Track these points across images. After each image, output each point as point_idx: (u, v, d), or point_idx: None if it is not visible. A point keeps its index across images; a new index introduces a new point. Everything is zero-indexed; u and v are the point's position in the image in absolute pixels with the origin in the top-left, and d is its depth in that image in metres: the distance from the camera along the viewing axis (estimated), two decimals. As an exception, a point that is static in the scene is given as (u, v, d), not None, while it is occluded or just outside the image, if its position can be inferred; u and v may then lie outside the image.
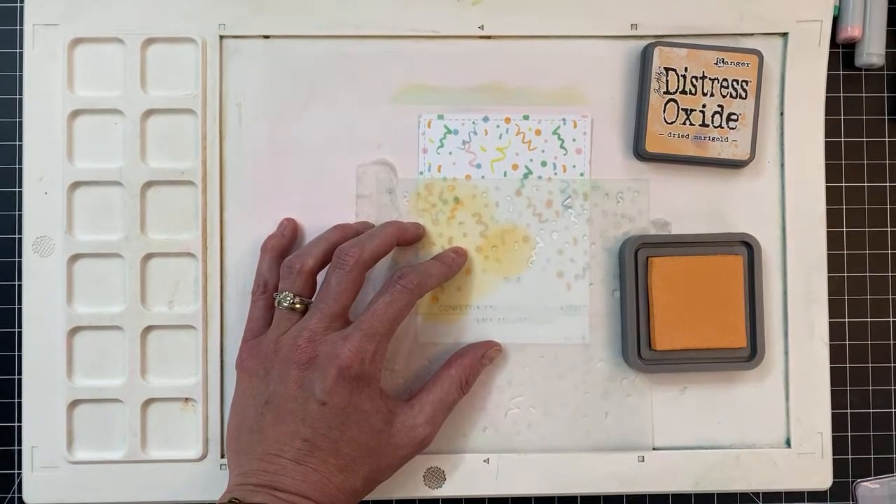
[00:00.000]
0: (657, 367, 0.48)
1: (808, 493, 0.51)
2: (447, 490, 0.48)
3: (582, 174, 0.49)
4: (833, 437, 0.48)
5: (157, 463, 0.48)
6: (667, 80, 0.47)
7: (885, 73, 0.52)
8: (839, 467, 0.50)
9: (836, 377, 0.51)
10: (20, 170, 0.49)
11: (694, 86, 0.48)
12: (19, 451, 0.49)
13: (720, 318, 0.47)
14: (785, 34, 0.49)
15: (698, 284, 0.47)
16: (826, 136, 0.49)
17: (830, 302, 0.49)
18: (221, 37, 0.49)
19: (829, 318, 0.49)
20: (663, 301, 0.47)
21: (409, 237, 0.48)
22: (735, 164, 0.48)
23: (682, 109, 0.48)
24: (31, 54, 0.48)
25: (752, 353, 0.47)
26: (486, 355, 0.47)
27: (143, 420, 0.48)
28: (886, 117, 0.52)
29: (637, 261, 0.48)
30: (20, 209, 0.49)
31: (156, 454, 0.48)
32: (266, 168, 0.49)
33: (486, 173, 0.49)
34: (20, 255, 0.48)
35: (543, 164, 0.49)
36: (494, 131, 0.49)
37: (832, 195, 0.50)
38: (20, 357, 0.48)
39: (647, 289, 0.48)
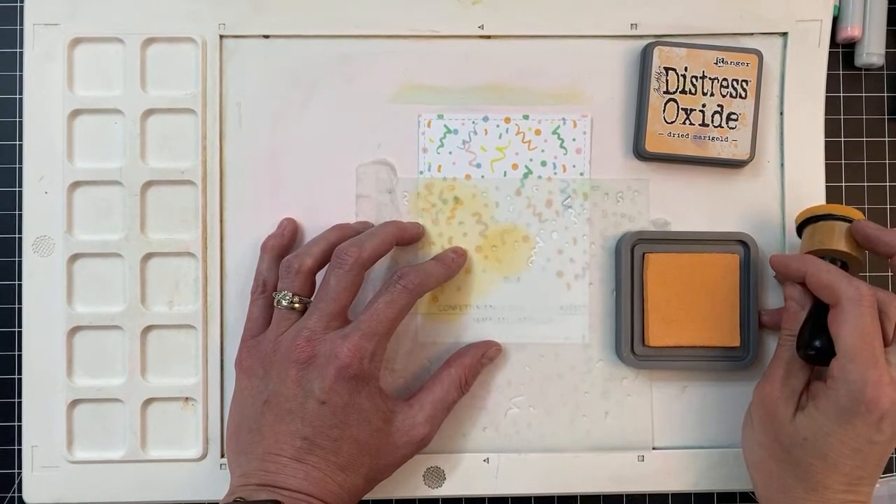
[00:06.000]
0: (650, 363, 0.48)
1: (808, 492, 0.51)
2: (447, 489, 0.48)
3: (582, 174, 0.49)
4: (833, 436, 0.48)
5: (157, 463, 0.48)
6: (667, 80, 0.47)
7: (885, 72, 0.52)
8: (839, 467, 0.50)
9: (836, 377, 0.51)
10: (20, 170, 0.49)
11: (694, 85, 0.48)
12: (19, 451, 0.49)
13: (715, 316, 0.47)
14: (785, 34, 0.49)
15: (694, 282, 0.47)
16: (826, 136, 0.49)
17: (830, 302, 0.49)
18: (221, 37, 0.49)
19: (829, 317, 0.49)
20: (658, 297, 0.47)
21: (408, 237, 0.48)
22: (735, 164, 0.48)
23: (682, 109, 0.48)
24: (31, 54, 0.48)
25: (745, 353, 0.47)
26: (485, 355, 0.47)
27: (143, 420, 0.48)
28: (886, 117, 0.52)
29: (633, 256, 0.48)
30: (20, 209, 0.49)
31: (156, 454, 0.48)
32: (266, 168, 0.49)
33: (485, 173, 0.49)
34: (20, 255, 0.48)
35: (543, 163, 0.49)
36: (494, 131, 0.49)
37: (832, 195, 0.50)
38: (20, 357, 0.48)
39: (642, 285, 0.48)
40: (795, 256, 0.44)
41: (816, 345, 0.41)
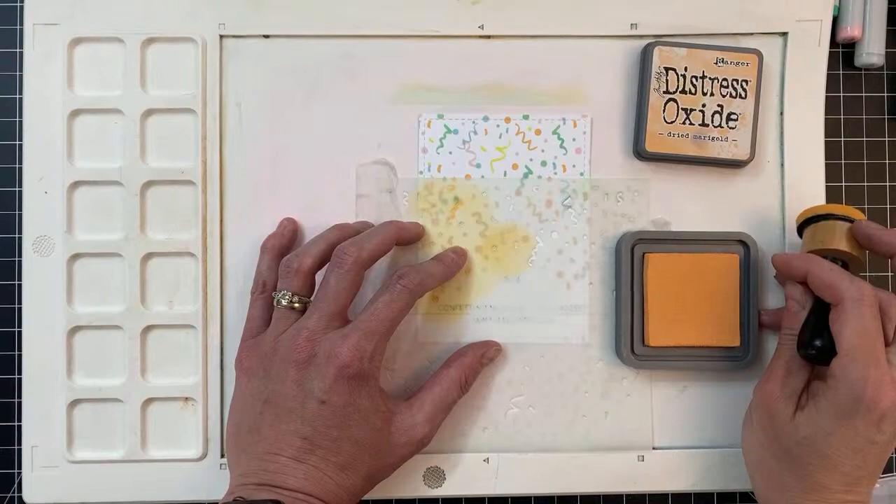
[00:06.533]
0: (650, 363, 0.48)
1: (808, 492, 0.51)
2: (447, 489, 0.48)
3: (582, 174, 0.49)
4: (833, 436, 0.48)
5: (157, 463, 0.48)
6: (666, 80, 0.47)
7: (885, 72, 0.52)
8: (839, 467, 0.50)
9: (836, 377, 0.51)
10: (20, 170, 0.49)
11: (694, 85, 0.48)
12: (19, 451, 0.49)
13: (715, 316, 0.47)
14: (785, 34, 0.49)
15: (694, 282, 0.47)
16: (826, 136, 0.49)
17: (830, 302, 0.49)
18: (221, 36, 0.49)
19: (829, 317, 0.49)
20: (658, 297, 0.47)
21: (408, 237, 0.48)
22: (735, 164, 0.48)
23: (682, 109, 0.48)
24: (31, 54, 0.48)
25: (745, 353, 0.47)
26: (485, 355, 0.47)
27: (143, 420, 0.48)
28: (886, 117, 0.52)
29: (633, 257, 0.48)
30: (20, 209, 0.49)
31: (156, 454, 0.48)
32: (266, 168, 0.49)
33: (485, 173, 0.49)
34: (20, 255, 0.48)
35: (543, 163, 0.49)
36: (494, 131, 0.49)
37: (832, 195, 0.50)
38: (20, 357, 0.48)
39: (642, 285, 0.48)
40: (797, 255, 0.44)
41: (817, 344, 0.41)
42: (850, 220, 0.44)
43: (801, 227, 0.46)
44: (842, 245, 0.44)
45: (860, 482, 0.40)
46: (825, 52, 0.49)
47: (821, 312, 0.42)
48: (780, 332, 0.44)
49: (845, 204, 0.51)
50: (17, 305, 0.49)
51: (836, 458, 0.40)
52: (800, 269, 0.43)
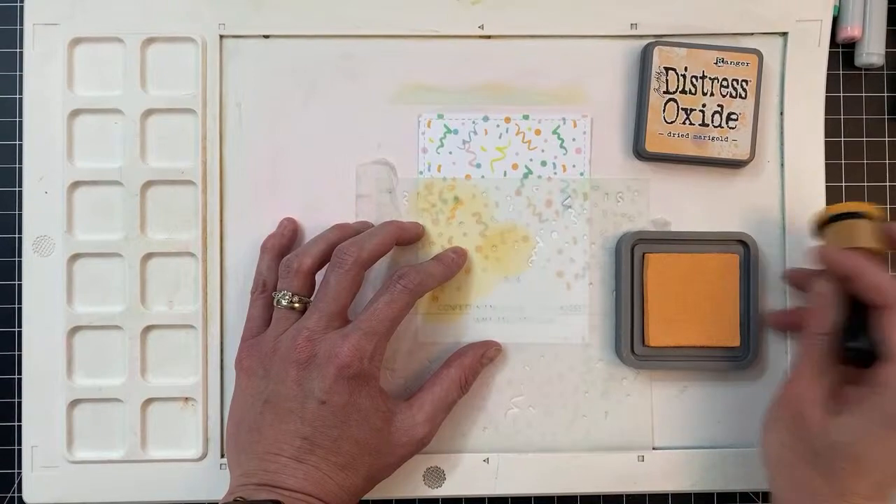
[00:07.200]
0: (650, 363, 0.48)
1: (808, 492, 0.51)
2: (447, 489, 0.48)
3: (582, 174, 0.49)
4: (833, 436, 0.48)
5: (157, 463, 0.48)
6: (666, 80, 0.47)
7: (885, 72, 0.52)
8: (839, 467, 0.50)
9: (836, 377, 0.51)
10: (20, 170, 0.49)
11: (694, 85, 0.48)
12: (19, 451, 0.49)
13: (715, 316, 0.47)
14: (785, 34, 0.49)
15: (694, 282, 0.47)
16: (826, 136, 0.49)
17: (830, 302, 0.49)
18: (221, 36, 0.49)
19: (829, 317, 0.49)
20: (658, 297, 0.47)
21: (408, 236, 0.48)
22: (735, 164, 0.48)
23: (682, 109, 0.48)
24: (31, 54, 0.48)
25: (745, 353, 0.47)
26: (485, 355, 0.47)
27: (143, 420, 0.48)
28: (886, 117, 0.52)
29: (633, 257, 0.48)
30: (20, 209, 0.49)
31: (156, 454, 0.48)
32: (266, 168, 0.49)
33: (485, 173, 0.49)
34: (20, 255, 0.48)
35: (543, 163, 0.49)
36: (494, 131, 0.49)
37: (832, 195, 0.50)
38: (20, 357, 0.48)
39: (642, 285, 0.48)
40: (844, 252, 0.42)
41: (856, 346, 0.40)
42: (873, 218, 0.42)
43: (822, 225, 0.44)
44: (871, 243, 0.42)
45: (890, 488, 0.39)
46: (825, 52, 0.49)
47: (859, 313, 0.41)
48: (803, 332, 0.43)
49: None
50: (17, 305, 0.49)
51: (871, 464, 0.38)
52: (845, 266, 0.41)
